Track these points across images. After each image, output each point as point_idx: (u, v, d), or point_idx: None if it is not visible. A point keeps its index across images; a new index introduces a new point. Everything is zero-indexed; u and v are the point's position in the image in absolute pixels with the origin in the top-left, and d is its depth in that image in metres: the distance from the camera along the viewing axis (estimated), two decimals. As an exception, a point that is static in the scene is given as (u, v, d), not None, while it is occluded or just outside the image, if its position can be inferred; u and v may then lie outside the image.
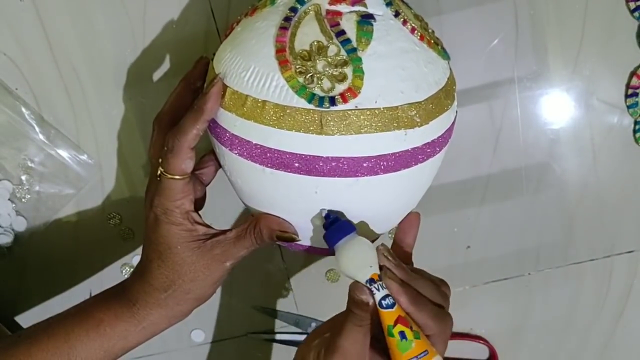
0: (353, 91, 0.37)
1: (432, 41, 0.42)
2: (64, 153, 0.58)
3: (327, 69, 0.38)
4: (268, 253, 0.62)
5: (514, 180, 0.59)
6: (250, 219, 0.44)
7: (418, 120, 0.39)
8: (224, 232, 0.44)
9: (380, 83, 0.38)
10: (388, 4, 0.41)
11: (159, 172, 0.42)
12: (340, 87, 0.37)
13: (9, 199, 0.59)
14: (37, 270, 0.62)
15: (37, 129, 0.57)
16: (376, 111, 0.37)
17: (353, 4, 0.40)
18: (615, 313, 0.63)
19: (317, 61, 0.38)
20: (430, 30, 0.44)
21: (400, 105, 0.38)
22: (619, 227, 0.61)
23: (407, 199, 0.44)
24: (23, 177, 0.59)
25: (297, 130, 0.37)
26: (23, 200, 0.59)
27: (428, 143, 0.40)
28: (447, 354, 0.65)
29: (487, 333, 0.64)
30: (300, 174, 0.38)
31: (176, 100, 0.47)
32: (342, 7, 0.39)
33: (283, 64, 0.38)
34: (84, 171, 0.59)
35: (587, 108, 0.57)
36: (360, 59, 0.38)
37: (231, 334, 0.65)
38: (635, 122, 0.58)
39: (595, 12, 0.55)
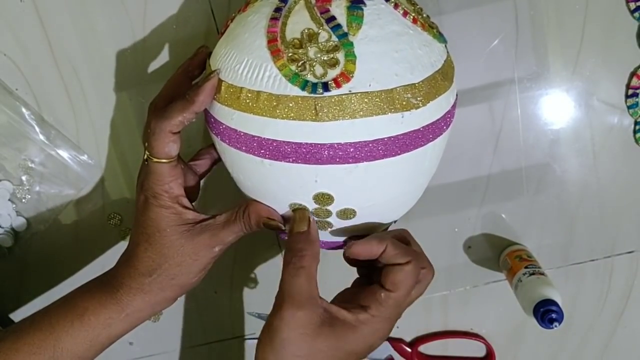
0: (346, 76, 0.37)
1: (427, 24, 0.42)
2: (64, 153, 0.58)
3: (319, 55, 0.37)
4: (268, 254, 0.62)
5: (514, 180, 0.59)
6: (240, 204, 0.44)
7: (415, 102, 0.38)
8: (213, 217, 0.45)
9: (373, 66, 0.38)
10: None
11: (145, 156, 0.43)
12: (333, 73, 0.37)
13: (9, 200, 0.59)
14: (37, 271, 0.62)
15: (37, 129, 0.57)
16: (371, 94, 0.37)
17: None
18: (616, 313, 0.63)
19: (309, 48, 0.38)
20: (424, 15, 0.44)
21: (395, 88, 0.38)
22: (619, 227, 0.61)
23: (410, 184, 0.43)
24: (23, 178, 0.59)
25: (292, 118, 0.37)
26: (23, 200, 0.59)
27: (427, 125, 0.39)
28: (445, 352, 0.65)
29: (487, 333, 0.64)
30: (299, 163, 0.38)
31: (172, 86, 0.47)
32: None
33: (275, 53, 0.38)
34: (84, 171, 0.59)
35: (587, 108, 0.57)
36: (351, 44, 0.37)
37: (231, 334, 0.65)
38: (636, 123, 0.58)
39: (596, 13, 0.55)
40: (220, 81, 0.40)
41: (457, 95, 0.44)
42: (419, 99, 0.38)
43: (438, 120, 0.40)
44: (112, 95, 0.57)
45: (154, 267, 0.44)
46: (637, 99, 0.57)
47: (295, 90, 0.37)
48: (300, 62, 0.37)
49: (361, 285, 0.46)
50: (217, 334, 0.65)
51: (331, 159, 0.38)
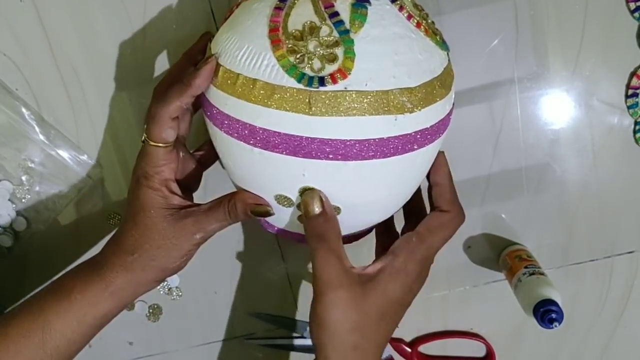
0: (343, 72, 0.37)
1: (431, 30, 0.42)
2: (64, 153, 0.58)
3: (319, 49, 0.37)
4: (268, 254, 0.62)
5: (514, 180, 0.59)
6: (227, 194, 0.45)
7: (409, 106, 0.38)
8: (198, 204, 0.45)
9: (371, 66, 0.37)
10: None
11: (143, 137, 0.44)
12: (331, 68, 0.37)
13: (9, 200, 0.59)
14: (37, 271, 0.62)
15: (37, 129, 0.57)
16: (366, 94, 0.37)
17: None
18: (616, 313, 0.63)
19: (309, 41, 0.38)
20: (429, 21, 0.44)
21: (392, 90, 0.38)
22: (619, 227, 0.61)
23: (397, 188, 0.43)
24: (23, 178, 0.59)
25: (285, 110, 0.37)
26: (23, 200, 0.59)
27: (420, 131, 0.39)
28: (445, 353, 0.65)
29: (487, 333, 0.64)
30: (288, 154, 0.38)
31: (176, 71, 0.48)
32: None
33: (275, 43, 0.38)
34: (84, 171, 0.59)
35: (587, 108, 0.57)
36: (352, 41, 0.37)
37: (231, 334, 0.65)
38: (636, 123, 0.58)
39: (596, 13, 0.55)
40: (218, 65, 0.40)
41: (453, 104, 0.44)
42: (414, 103, 0.38)
43: (432, 126, 0.40)
44: (112, 95, 0.57)
45: (136, 246, 0.45)
46: (637, 99, 0.57)
47: (291, 82, 0.37)
48: (299, 54, 0.37)
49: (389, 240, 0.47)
50: (217, 334, 0.65)
51: (320, 154, 0.38)
